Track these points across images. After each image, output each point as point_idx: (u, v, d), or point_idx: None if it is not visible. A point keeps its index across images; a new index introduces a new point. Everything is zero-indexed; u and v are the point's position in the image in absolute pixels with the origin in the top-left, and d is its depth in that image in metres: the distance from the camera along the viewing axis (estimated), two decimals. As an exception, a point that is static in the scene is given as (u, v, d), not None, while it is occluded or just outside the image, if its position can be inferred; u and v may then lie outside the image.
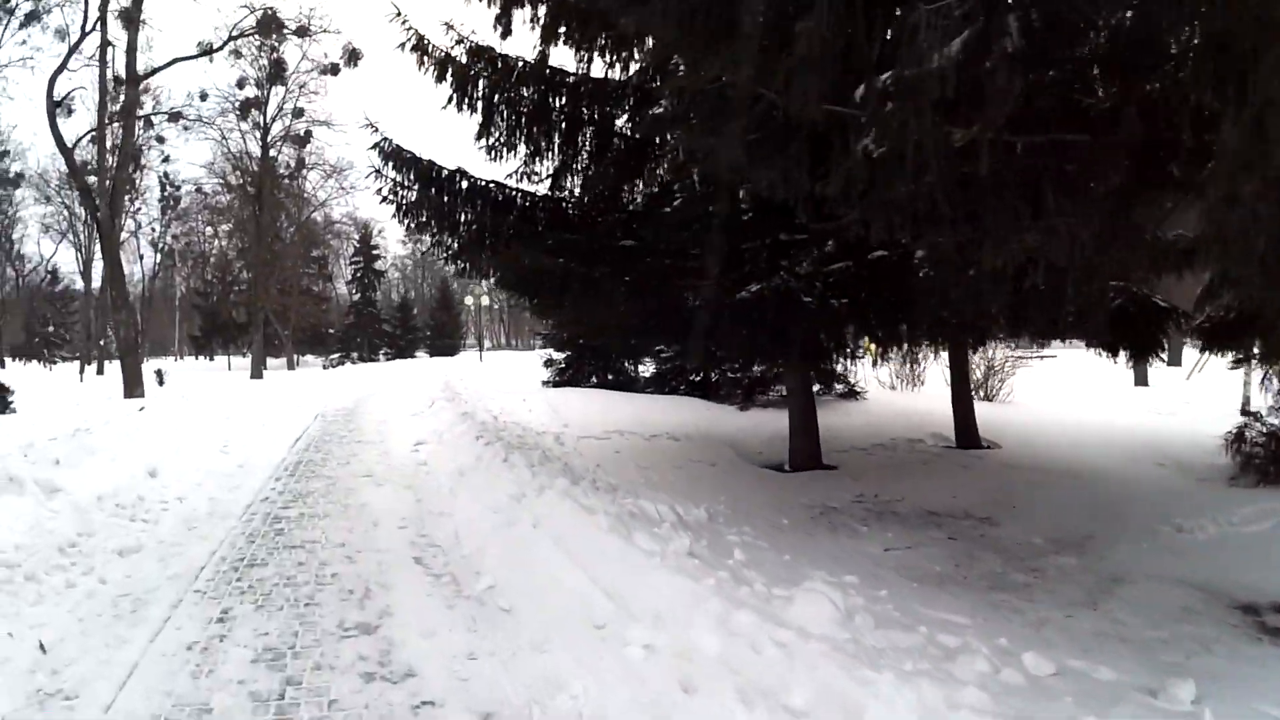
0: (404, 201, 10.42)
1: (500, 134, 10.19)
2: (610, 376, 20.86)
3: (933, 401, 16.59)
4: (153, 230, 70.11)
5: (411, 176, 10.61)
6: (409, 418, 16.77)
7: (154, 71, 29.09)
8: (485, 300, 67.86)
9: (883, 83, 4.33)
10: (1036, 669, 4.74)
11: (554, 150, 10.30)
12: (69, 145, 27.03)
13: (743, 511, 8.73)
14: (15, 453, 9.27)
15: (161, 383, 34.59)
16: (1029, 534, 8.24)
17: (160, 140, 53.87)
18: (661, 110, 8.25)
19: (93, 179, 28.13)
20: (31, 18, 31.64)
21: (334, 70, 45.04)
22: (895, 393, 20.31)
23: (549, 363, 22.15)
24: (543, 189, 10.97)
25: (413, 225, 10.42)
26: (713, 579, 5.65)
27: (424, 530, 7.99)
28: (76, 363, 53.34)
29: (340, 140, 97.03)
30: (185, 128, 45.34)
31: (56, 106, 27.15)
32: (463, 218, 10.43)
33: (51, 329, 65.18)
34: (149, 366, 41.66)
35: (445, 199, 10.45)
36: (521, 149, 10.44)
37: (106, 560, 6.99)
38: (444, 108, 10.34)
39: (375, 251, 72.93)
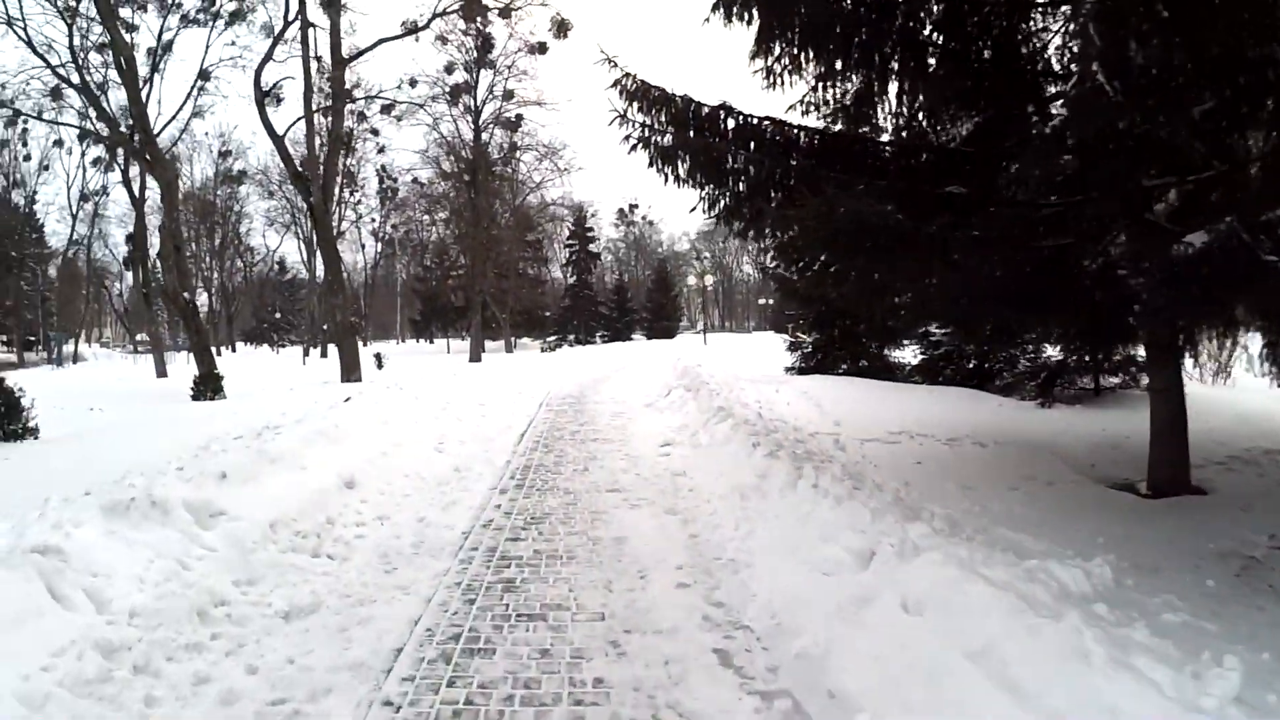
0: (657, 148, 8.18)
1: (786, 44, 7.73)
2: (863, 363, 18.10)
3: (1259, 399, 12.88)
4: (373, 221, 72.69)
5: (663, 118, 8.39)
6: (645, 409, 14.70)
7: (359, 54, 28.47)
8: (709, 280, 65.92)
9: None
10: None
11: (864, 68, 7.72)
12: (279, 134, 26.82)
13: (1145, 566, 5.96)
14: (170, 466, 7.65)
15: (380, 366, 34.38)
16: None
17: (374, 133, 54.77)
18: None
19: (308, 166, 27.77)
20: (236, 16, 31.93)
21: (541, 49, 43.86)
22: (1202, 385, 16.43)
23: (794, 346, 19.60)
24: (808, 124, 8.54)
25: (673, 177, 8.14)
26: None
27: (716, 593, 5.66)
28: (301, 347, 55.07)
29: (553, 120, 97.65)
30: (398, 118, 45.38)
31: (265, 96, 27.24)
32: (733, 164, 8.08)
33: (279, 315, 68.12)
34: (369, 350, 42.06)
35: (710, 142, 8.16)
36: (811, 70, 7.96)
37: (265, 631, 5.13)
38: (707, 19, 7.98)
39: (590, 233, 72.46)
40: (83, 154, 57.08)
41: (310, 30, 26.73)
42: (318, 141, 26.77)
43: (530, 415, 14.68)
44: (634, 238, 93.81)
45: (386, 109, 44.71)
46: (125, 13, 30.97)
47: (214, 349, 64.68)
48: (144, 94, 30.08)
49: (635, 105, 8.44)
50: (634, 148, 8.22)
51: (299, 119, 27.49)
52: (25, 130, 54.62)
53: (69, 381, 33.76)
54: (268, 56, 27.17)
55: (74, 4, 26.54)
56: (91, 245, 64.58)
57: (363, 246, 77.47)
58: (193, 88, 33.92)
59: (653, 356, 32.12)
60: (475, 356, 43.61)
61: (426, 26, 33.22)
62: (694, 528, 7.20)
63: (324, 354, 51.29)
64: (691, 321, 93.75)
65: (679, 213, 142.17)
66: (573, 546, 6.77)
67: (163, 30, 33.23)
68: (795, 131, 8.42)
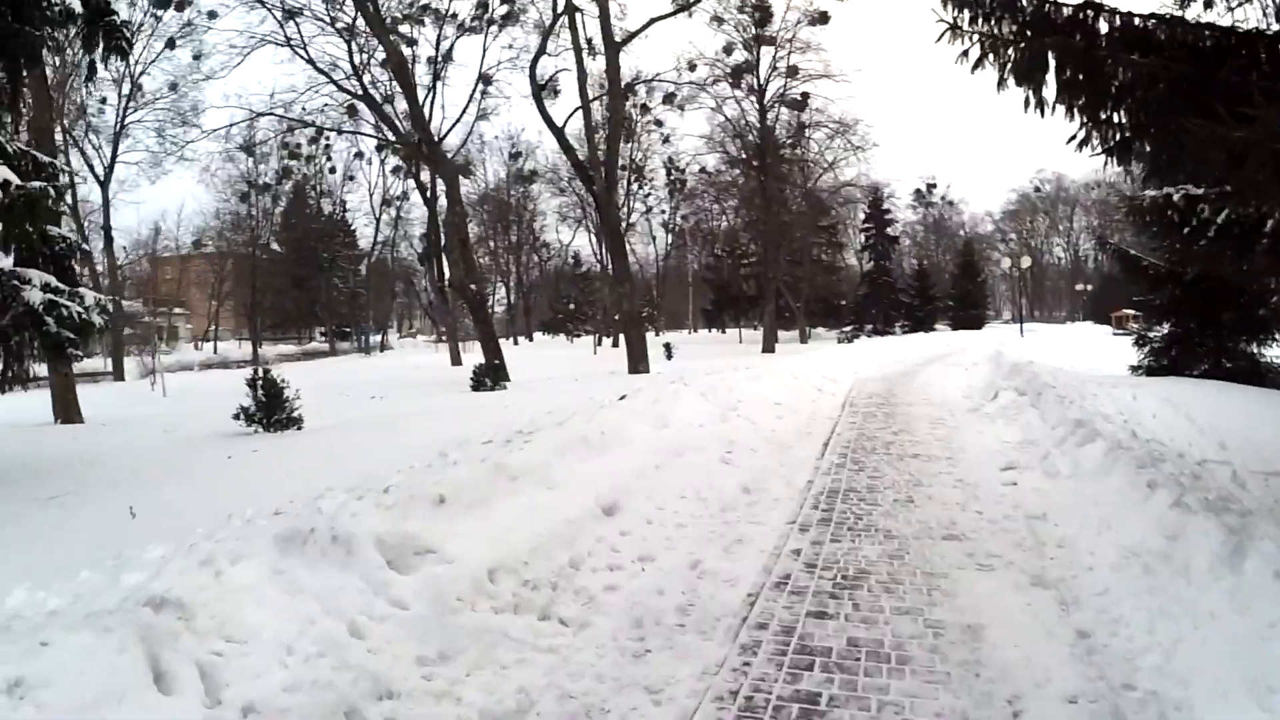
0: (1011, 59, 5.84)
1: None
2: (1227, 364, 14.25)
3: None
4: (662, 213, 73.33)
5: (1009, 24, 6.04)
6: (970, 416, 12.20)
7: (631, 36, 27.31)
8: (1026, 262, 60.39)
9: None
10: None
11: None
12: (559, 126, 26.44)
13: None
14: (375, 487, 6.20)
15: (670, 356, 33.37)
16: None
17: (658, 124, 54.58)
18: None
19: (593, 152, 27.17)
20: (509, 19, 32.32)
21: (823, 18, 41.33)
22: None
23: (1141, 341, 16.03)
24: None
25: (1035, 101, 5.79)
26: None
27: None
28: (594, 337, 55.66)
29: (843, 93, 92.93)
30: (680, 106, 44.41)
31: (541, 90, 27.31)
32: (1123, 76, 5.61)
33: (573, 306, 69.73)
34: (660, 340, 41.35)
35: (1086, 45, 5.73)
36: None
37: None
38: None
39: (887, 215, 68.48)
40: (382, 163, 62.03)
41: (579, 18, 26.06)
42: (596, 131, 25.98)
43: (833, 418, 12.56)
44: (933, 220, 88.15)
45: (668, 98, 44.22)
46: (404, 28, 32.11)
47: (512, 339, 68.64)
48: (427, 100, 31.48)
49: (968, 13, 6.17)
50: (977, 64, 5.93)
51: (576, 109, 26.99)
52: (328, 146, 60.04)
53: (369, 370, 35.49)
54: (540, 50, 27.21)
55: (350, 22, 27.45)
56: (397, 245, 69.68)
57: (653, 238, 78.35)
58: (474, 91, 34.63)
59: (963, 349, 29.18)
60: (768, 347, 41.80)
61: (698, 1, 31.80)
62: (1079, 617, 4.78)
63: (615, 344, 51.28)
64: (997, 310, 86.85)
65: (981, 190, 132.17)
66: (904, 639, 4.59)
67: (440, 40, 34.21)
68: (1201, 33, 5.82)
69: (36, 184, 8.68)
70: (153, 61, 39.90)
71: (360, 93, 29.59)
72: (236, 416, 14.05)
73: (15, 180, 8.28)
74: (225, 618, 3.90)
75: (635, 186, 65.68)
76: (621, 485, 7.16)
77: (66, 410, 19.22)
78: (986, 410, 12.36)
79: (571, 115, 28.03)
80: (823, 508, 7.31)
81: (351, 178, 70.29)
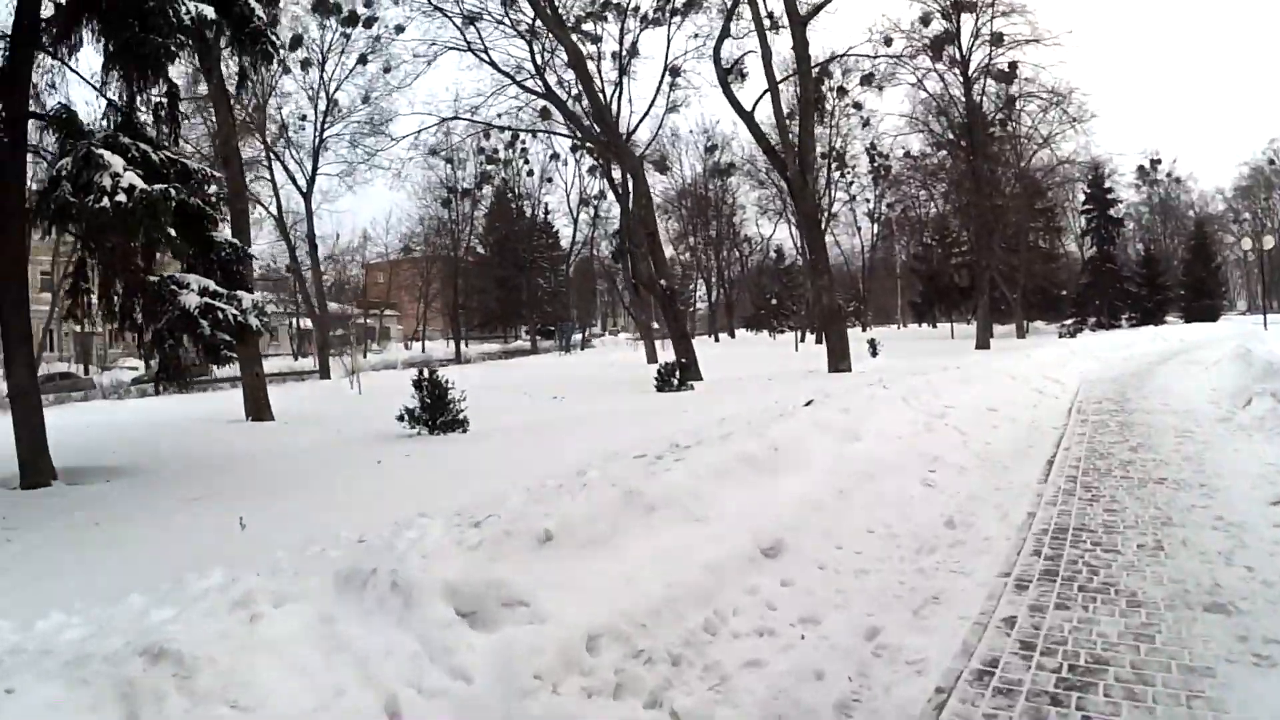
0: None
1: None
2: None
3: None
4: (867, 202, 70.85)
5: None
6: (1220, 426, 10.43)
7: (817, 9, 25.31)
8: (1270, 242, 54.15)
9: None
10: None
11: None
12: (747, 110, 25.59)
13: None
14: (480, 515, 5.18)
15: (874, 353, 31.51)
16: None
17: (857, 107, 52.46)
18: None
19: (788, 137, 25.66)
20: (690, 6, 31.44)
21: (1024, -26, 37.75)
22: None
23: None
24: None
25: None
26: None
27: None
28: (796, 333, 53.89)
29: (1054, 59, 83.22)
30: (879, 87, 42.24)
31: (727, 74, 26.51)
32: None
33: (774, 301, 67.97)
34: (866, 335, 39.29)
35: None
36: None
37: None
38: None
39: (1109, 195, 62.97)
40: (577, 163, 62.82)
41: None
42: (789, 116, 24.53)
43: (1058, 428, 10.86)
44: (1158, 199, 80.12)
45: (866, 79, 42.24)
46: (587, 25, 31.86)
47: (713, 335, 67.80)
48: (614, 96, 30.91)
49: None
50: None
51: (765, 92, 25.64)
52: (524, 149, 61.35)
53: (564, 367, 35.43)
54: (724, 33, 26.49)
55: (530, 23, 27.31)
56: (597, 244, 70.49)
57: (858, 229, 75.61)
58: (660, 83, 34.08)
59: (1200, 344, 26.70)
60: (982, 343, 38.99)
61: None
62: None
63: (819, 340, 49.34)
64: (1231, 301, 78.40)
65: (1209, 165, 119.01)
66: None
67: (623, 34, 33.73)
68: None
69: (160, 187, 8.48)
70: (346, 78, 42.95)
71: (544, 91, 29.47)
72: (401, 418, 13.71)
73: (140, 185, 8.09)
74: (235, 677, 3.12)
75: (836, 174, 63.81)
76: (791, 518, 5.95)
77: (257, 408, 19.72)
78: (1240, 421, 10.29)
79: (760, 99, 26.84)
80: (1046, 554, 5.79)
81: (550, 180, 71.67)
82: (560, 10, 28.88)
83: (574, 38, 28.17)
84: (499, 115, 33.01)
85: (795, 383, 19.49)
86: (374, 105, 43.21)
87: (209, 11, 9.34)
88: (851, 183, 68.00)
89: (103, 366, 51.74)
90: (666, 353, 36.29)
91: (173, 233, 8.94)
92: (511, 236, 72.43)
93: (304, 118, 44.78)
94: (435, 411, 13.69)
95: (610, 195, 54.75)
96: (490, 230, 74.39)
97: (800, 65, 23.96)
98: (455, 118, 33.58)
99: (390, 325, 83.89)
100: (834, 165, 60.39)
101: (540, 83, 29.77)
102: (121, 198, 8.33)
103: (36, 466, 10.63)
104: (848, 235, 76.52)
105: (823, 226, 62.58)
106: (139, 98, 10.41)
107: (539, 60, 29.51)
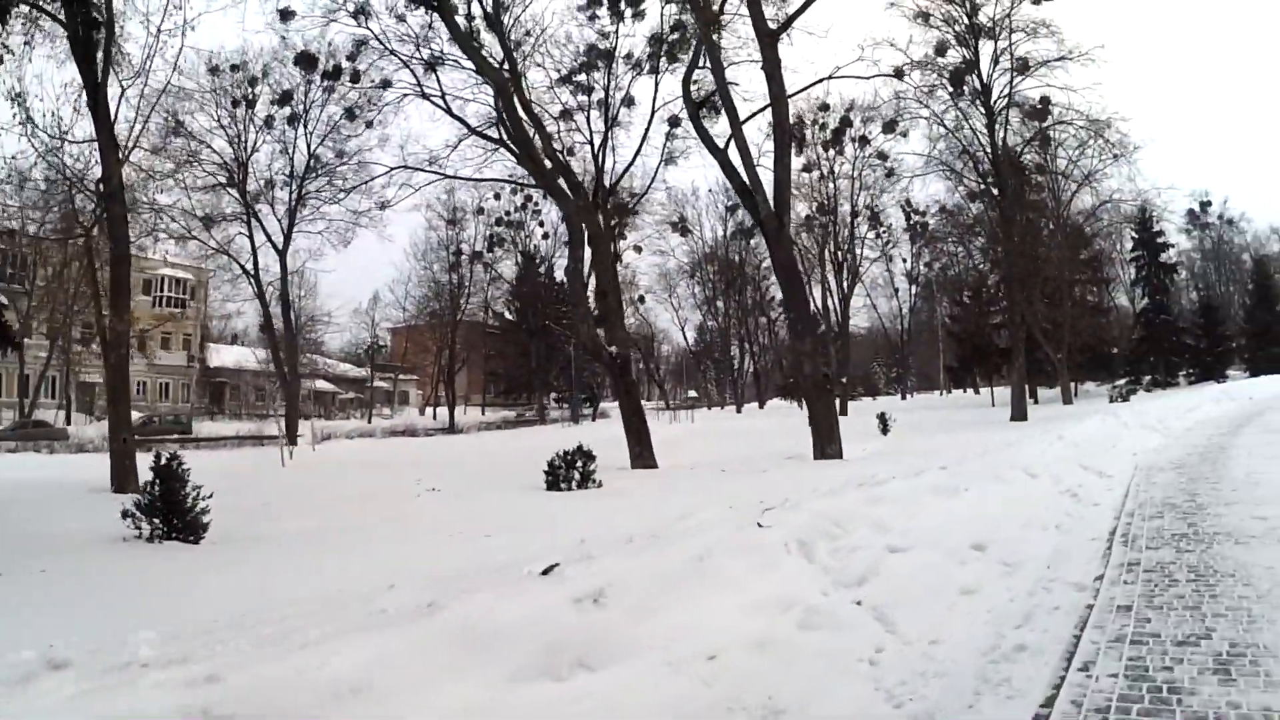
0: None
1: None
2: None
3: None
4: (904, 261, 67.11)
5: None
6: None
7: (791, 19, 21.41)
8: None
9: None
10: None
11: None
12: (719, 146, 22.05)
13: None
14: None
15: (885, 430, 27.33)
16: None
17: (882, 157, 49.21)
18: None
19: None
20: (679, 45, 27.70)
21: (1045, -11, 33.29)
22: None
23: None
24: None
25: None
26: None
27: None
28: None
29: (1087, 79, 73.23)
30: (903, 133, 38.55)
31: (699, 107, 23.85)
32: None
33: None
34: (903, 405, 35.11)
35: None
36: None
37: None
38: None
39: (1159, 240, 57.48)
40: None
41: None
42: (754, 150, 20.55)
43: (1086, 587, 5.95)
44: (1210, 243, 74.34)
45: (889, 126, 38.54)
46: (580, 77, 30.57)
47: (734, 406, 63.60)
48: (602, 148, 30.92)
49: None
50: None
51: (752, 116, 21.63)
52: (537, 210, 58.09)
53: (535, 440, 33.11)
54: (693, 62, 23.41)
55: (507, 74, 24.03)
56: (618, 309, 66.54)
57: (895, 290, 71.23)
58: (647, 130, 30.12)
59: (1275, 403, 23.63)
60: (1018, 413, 33.87)
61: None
62: None
63: (844, 411, 44.61)
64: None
65: (1263, 200, 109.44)
66: None
67: (610, 85, 30.58)
68: None
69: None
70: (327, 135, 42.44)
71: (497, 138, 26.12)
72: (125, 515, 10.40)
73: None
74: None
75: (870, 233, 61.09)
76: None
77: (121, 478, 18.22)
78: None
79: (745, 126, 22.60)
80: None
81: (566, 242, 68.33)
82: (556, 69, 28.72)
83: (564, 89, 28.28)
84: (477, 169, 29.83)
85: (749, 479, 15.14)
86: (347, 159, 41.95)
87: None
88: (888, 242, 63.91)
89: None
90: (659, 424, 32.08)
91: None
92: (532, 300, 69.52)
93: (271, 184, 44.07)
94: (167, 511, 9.92)
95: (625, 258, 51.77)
96: (517, 294, 72.02)
97: (771, 86, 19.74)
98: (420, 168, 29.73)
99: (409, 389, 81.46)
100: (867, 223, 57.47)
101: (502, 130, 26.27)
102: None
103: None
104: (886, 298, 72.57)
105: (849, 289, 59.25)
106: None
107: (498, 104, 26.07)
